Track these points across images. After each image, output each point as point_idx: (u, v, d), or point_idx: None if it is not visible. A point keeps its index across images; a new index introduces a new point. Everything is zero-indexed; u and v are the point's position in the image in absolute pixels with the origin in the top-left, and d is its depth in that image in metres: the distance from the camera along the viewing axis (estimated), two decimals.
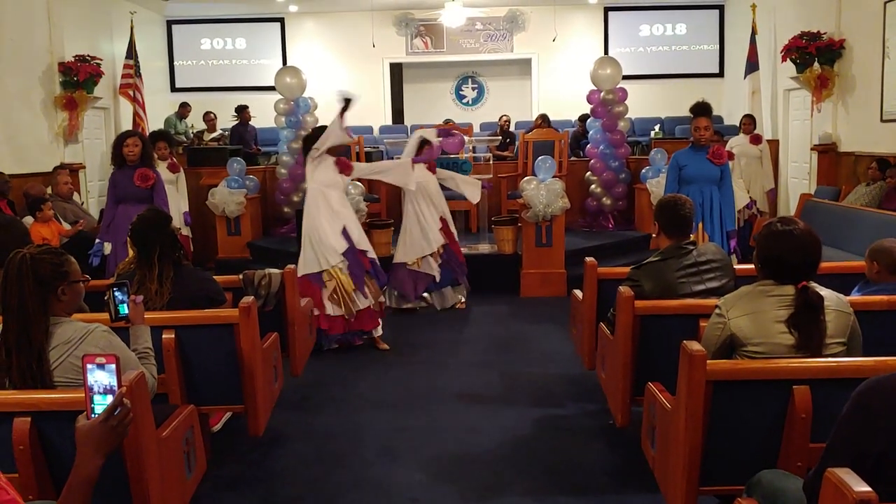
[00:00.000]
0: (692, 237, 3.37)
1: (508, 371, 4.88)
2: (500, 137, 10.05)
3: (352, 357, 5.25)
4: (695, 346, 2.35)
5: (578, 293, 4.29)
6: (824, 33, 8.66)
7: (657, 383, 2.81)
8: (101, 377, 1.81)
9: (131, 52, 10.39)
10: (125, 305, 2.74)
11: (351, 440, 3.85)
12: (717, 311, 2.58)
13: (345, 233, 5.25)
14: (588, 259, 3.97)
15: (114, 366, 1.81)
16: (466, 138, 9.22)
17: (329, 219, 5.22)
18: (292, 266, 4.09)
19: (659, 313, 3.16)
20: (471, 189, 6.55)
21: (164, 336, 3.19)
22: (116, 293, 2.73)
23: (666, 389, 2.74)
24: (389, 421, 4.09)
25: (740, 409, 2.37)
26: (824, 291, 2.46)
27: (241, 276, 3.93)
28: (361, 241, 5.36)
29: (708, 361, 2.32)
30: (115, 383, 1.81)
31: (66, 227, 6.79)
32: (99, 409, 1.79)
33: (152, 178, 5.33)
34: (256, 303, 3.88)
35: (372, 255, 5.44)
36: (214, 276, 3.70)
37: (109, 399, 1.80)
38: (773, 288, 2.50)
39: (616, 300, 3.26)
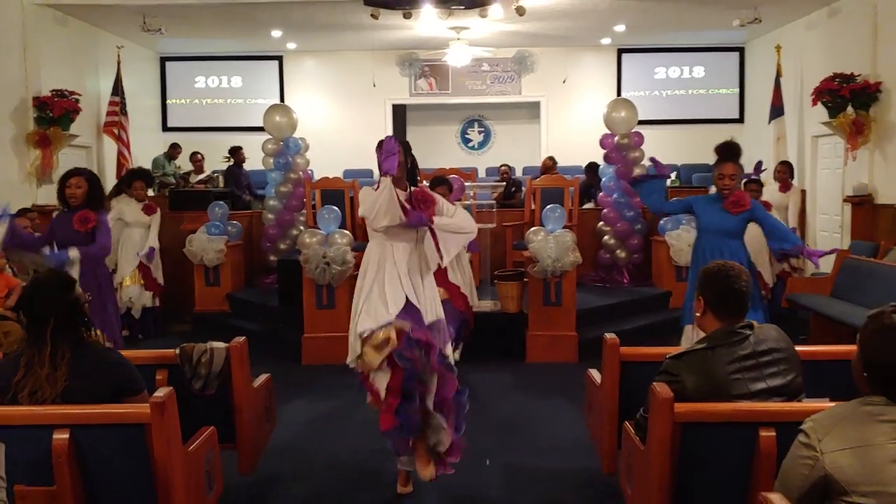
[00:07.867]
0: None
1: (510, 463, 4.05)
2: (505, 186, 9.34)
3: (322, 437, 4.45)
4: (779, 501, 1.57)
5: (595, 375, 3.50)
6: (858, 75, 8.00)
7: None
8: None
9: (117, 89, 9.86)
10: None
11: None
12: (802, 438, 1.80)
13: None
14: (608, 336, 3.20)
15: None
16: (469, 183, 8.56)
17: None
18: (241, 338, 3.32)
19: (707, 420, 2.38)
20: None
21: (55, 437, 2.45)
22: None
23: None
24: None
25: None
26: None
27: (176, 351, 3.17)
28: None
29: None
30: None
31: (19, 280, 6.07)
32: None
33: (93, 221, 4.59)
34: (195, 385, 3.14)
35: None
36: (161, 349, 2.95)
37: None
38: (887, 410, 1.72)
39: (649, 401, 2.47)
